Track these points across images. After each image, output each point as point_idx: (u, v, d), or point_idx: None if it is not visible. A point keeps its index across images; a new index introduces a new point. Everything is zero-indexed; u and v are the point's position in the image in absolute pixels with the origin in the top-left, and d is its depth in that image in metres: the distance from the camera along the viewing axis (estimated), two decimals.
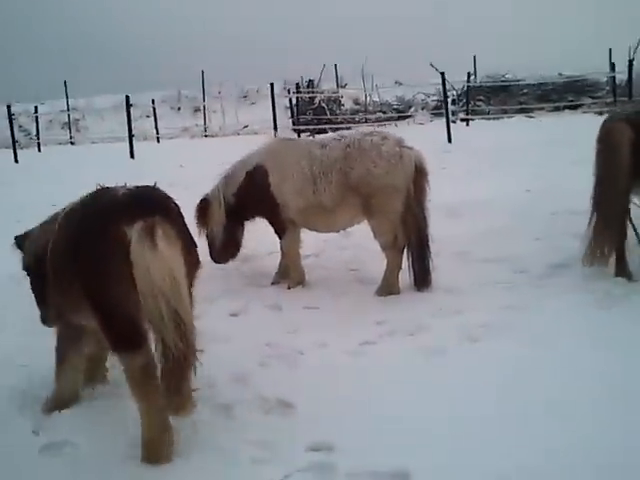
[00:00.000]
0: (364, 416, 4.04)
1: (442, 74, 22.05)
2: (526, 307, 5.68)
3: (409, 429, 3.87)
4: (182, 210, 4.01)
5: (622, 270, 6.18)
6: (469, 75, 27.55)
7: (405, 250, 6.40)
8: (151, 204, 3.64)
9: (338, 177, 6.36)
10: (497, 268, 6.72)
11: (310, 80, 28.98)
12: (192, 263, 3.83)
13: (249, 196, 6.75)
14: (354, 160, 6.32)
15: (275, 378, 4.60)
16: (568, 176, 11.05)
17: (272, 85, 23.00)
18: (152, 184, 4.03)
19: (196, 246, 4.05)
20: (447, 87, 22.31)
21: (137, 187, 3.85)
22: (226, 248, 7.01)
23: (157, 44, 57.71)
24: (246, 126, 30.95)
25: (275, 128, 21.55)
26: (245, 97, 39.68)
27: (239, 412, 4.17)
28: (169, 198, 3.92)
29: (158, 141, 28.60)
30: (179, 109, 39.70)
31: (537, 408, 4.00)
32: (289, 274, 6.84)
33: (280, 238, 6.85)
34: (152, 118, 32.15)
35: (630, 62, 22.34)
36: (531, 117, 24.98)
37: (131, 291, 3.42)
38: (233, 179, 6.87)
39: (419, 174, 6.30)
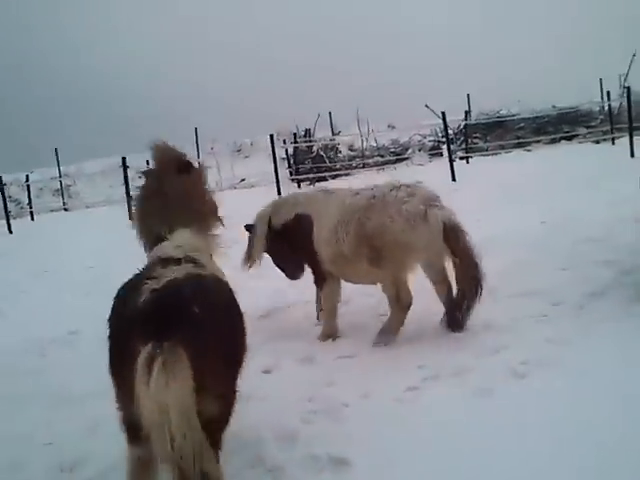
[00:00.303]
0: (426, 467, 3.83)
1: (443, 114, 22.21)
2: (568, 339, 5.51)
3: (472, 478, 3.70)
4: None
5: None
6: (466, 113, 27.73)
7: (452, 293, 6.19)
8: (171, 320, 3.20)
9: (355, 226, 6.20)
10: (530, 302, 6.56)
11: (307, 129, 29.04)
12: (218, 371, 3.44)
13: (293, 236, 6.78)
14: (374, 211, 6.14)
15: (323, 434, 4.36)
16: (577, 205, 11.09)
17: (272, 136, 22.89)
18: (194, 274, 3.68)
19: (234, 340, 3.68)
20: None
21: (170, 283, 3.43)
22: (294, 266, 7.12)
23: (146, 106, 58.12)
24: (243, 179, 30.90)
25: (277, 180, 21.40)
26: (239, 151, 39.79)
27: (291, 473, 3.95)
28: (204, 299, 3.44)
29: None
30: None
31: (589, 445, 3.83)
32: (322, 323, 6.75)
33: (320, 290, 6.80)
34: None
35: (628, 89, 22.42)
36: (528, 150, 25.04)
37: (133, 402, 3.19)
38: (281, 212, 6.97)
39: (450, 233, 5.97)
